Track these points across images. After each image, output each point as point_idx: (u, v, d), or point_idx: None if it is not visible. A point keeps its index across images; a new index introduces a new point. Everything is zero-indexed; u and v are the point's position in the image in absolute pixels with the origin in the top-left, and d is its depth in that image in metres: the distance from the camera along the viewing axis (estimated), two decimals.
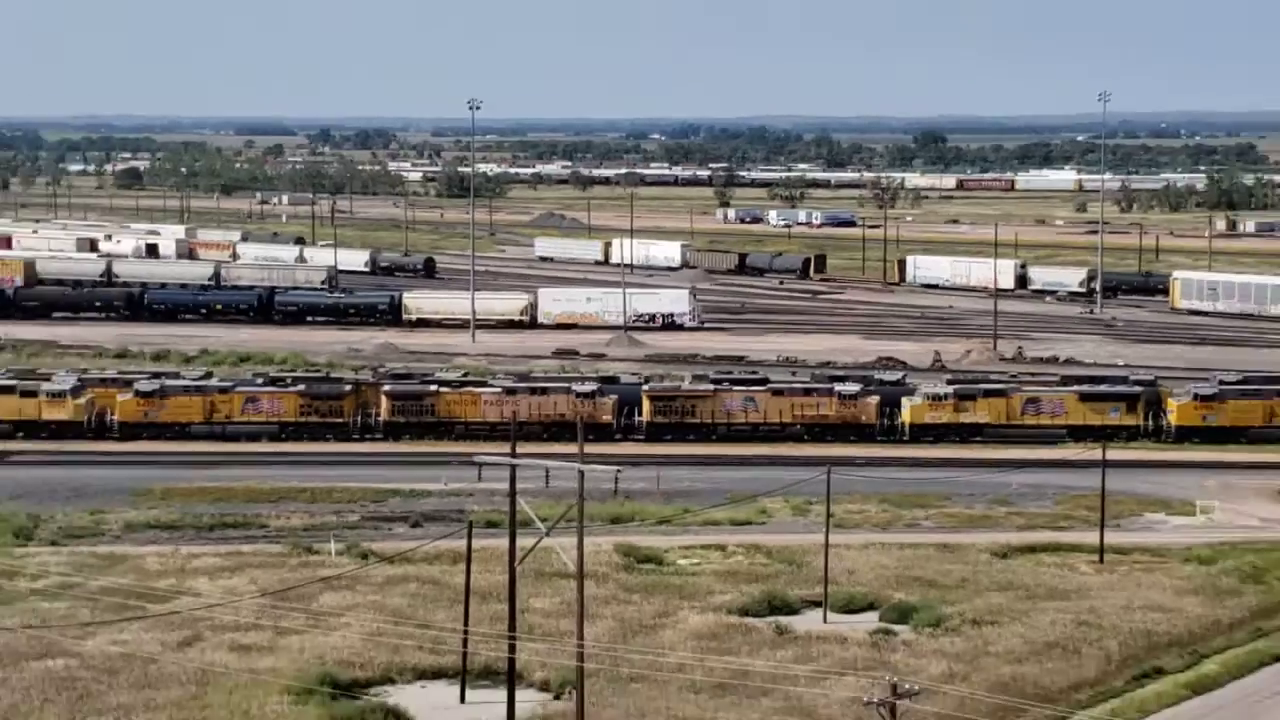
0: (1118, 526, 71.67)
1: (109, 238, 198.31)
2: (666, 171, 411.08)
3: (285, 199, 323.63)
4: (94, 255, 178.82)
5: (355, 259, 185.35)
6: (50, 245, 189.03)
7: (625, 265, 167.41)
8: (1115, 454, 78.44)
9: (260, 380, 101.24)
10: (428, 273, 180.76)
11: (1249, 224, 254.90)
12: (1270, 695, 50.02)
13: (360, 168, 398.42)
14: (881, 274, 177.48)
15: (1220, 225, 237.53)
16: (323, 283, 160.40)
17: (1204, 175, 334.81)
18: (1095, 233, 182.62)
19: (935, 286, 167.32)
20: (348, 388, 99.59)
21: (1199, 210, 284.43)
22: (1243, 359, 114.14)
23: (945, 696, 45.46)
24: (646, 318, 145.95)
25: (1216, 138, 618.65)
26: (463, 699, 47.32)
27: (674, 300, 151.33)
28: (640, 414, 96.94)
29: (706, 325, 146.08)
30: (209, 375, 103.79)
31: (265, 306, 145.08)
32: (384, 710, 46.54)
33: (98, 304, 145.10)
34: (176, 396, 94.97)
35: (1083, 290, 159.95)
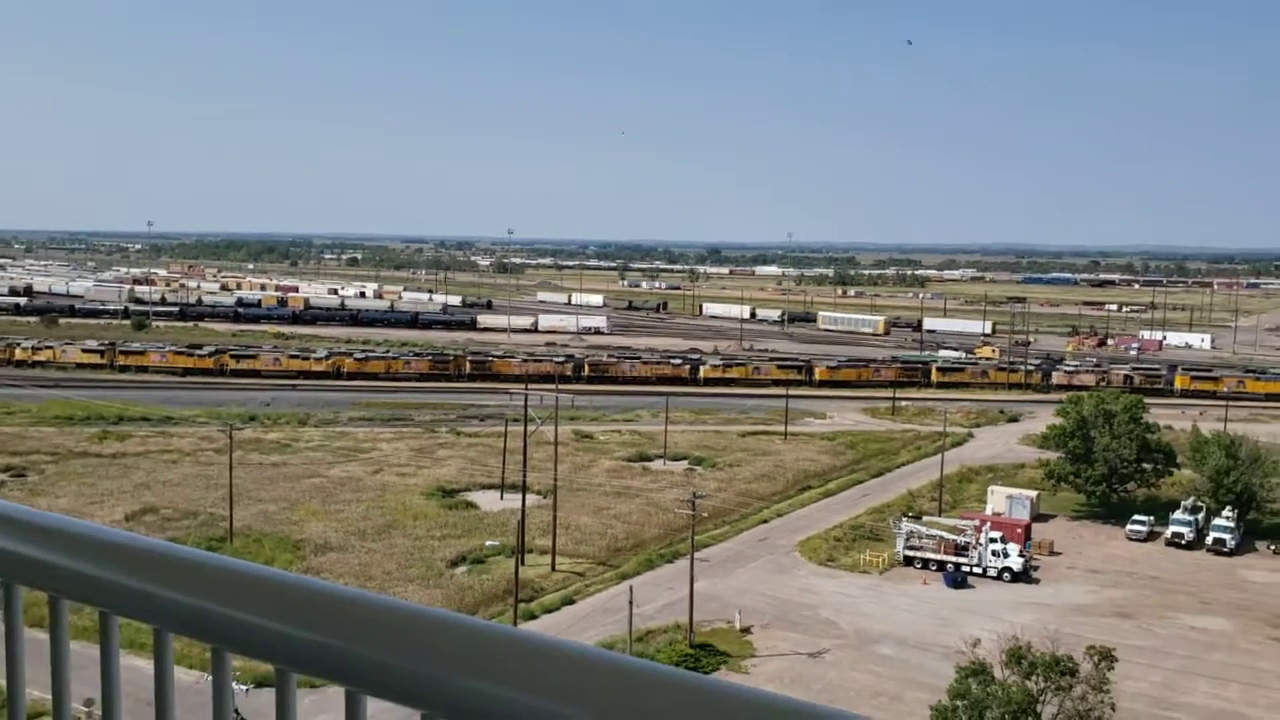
0: (794, 423, 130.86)
1: (341, 289, 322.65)
2: (601, 263, 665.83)
3: (422, 273, 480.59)
4: (336, 296, 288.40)
5: (454, 300, 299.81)
6: (314, 291, 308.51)
7: (577, 304, 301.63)
8: (795, 391, 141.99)
9: (410, 352, 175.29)
10: (487, 306, 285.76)
11: (850, 291, 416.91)
12: (859, 497, 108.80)
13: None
14: (693, 311, 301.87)
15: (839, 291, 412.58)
16: (440, 310, 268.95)
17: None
18: (786, 293, 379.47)
19: (716, 317, 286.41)
20: (451, 356, 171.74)
21: (830, 284, 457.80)
22: (847, 351, 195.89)
23: (717, 495, 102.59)
24: (587, 328, 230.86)
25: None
26: (501, 497, 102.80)
27: (599, 320, 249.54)
28: (584, 370, 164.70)
29: (615, 332, 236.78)
30: (389, 348, 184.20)
31: (413, 321, 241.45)
32: (465, 502, 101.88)
33: (338, 319, 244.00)
34: (373, 360, 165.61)
35: (780, 319, 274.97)
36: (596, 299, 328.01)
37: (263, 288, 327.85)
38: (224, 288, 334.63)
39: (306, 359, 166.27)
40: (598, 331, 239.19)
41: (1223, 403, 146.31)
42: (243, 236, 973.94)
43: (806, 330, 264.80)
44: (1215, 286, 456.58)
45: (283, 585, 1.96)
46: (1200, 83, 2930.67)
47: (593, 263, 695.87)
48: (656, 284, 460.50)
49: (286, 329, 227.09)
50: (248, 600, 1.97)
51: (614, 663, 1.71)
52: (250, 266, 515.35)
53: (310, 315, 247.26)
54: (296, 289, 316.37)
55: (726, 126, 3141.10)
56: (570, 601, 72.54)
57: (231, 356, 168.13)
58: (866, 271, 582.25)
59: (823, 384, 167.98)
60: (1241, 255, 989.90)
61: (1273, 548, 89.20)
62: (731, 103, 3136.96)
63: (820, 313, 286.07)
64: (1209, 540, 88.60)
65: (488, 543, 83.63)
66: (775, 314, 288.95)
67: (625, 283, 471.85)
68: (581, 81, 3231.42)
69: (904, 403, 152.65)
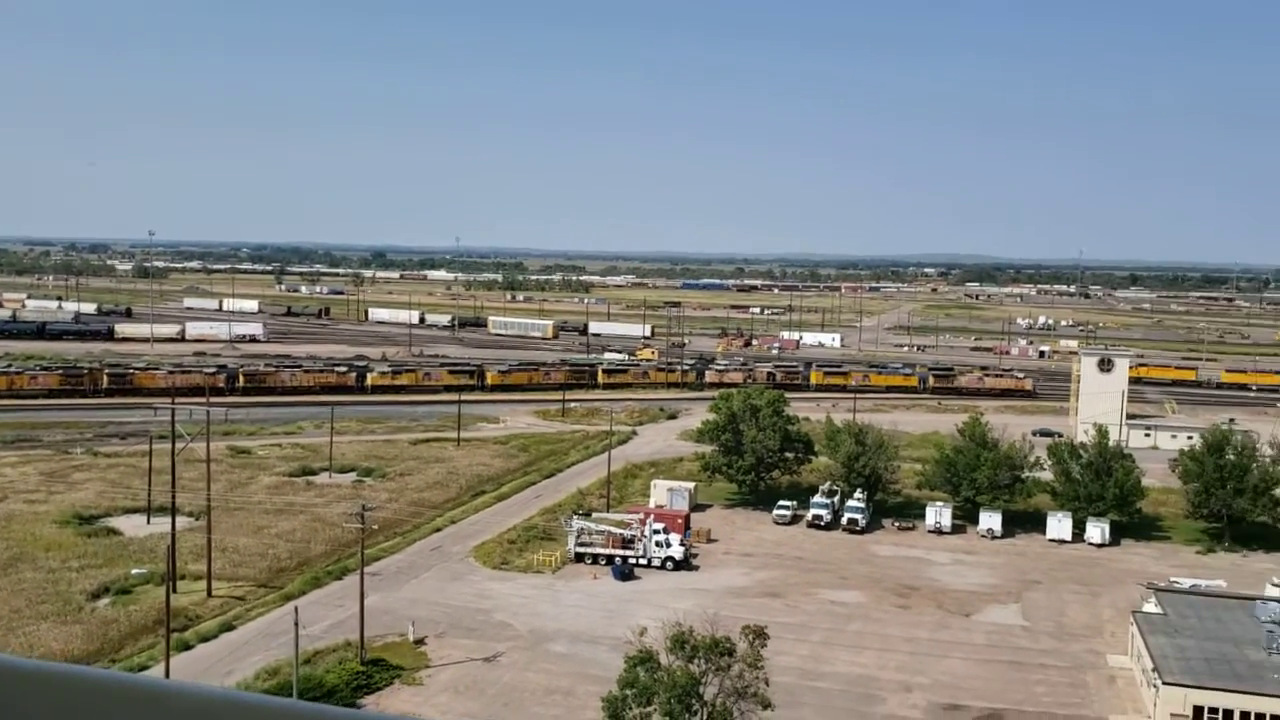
0: (467, 428, 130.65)
1: None
2: (256, 266, 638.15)
3: (49, 278, 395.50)
4: None
5: (87, 308, 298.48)
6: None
7: (230, 311, 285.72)
8: (466, 396, 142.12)
9: (37, 366, 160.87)
10: (127, 314, 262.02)
11: (519, 296, 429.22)
12: (532, 499, 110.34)
13: None
14: (358, 317, 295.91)
15: (508, 296, 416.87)
16: (72, 319, 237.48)
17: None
18: (456, 298, 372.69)
19: (383, 323, 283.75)
20: (86, 369, 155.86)
21: (499, 289, 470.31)
22: (518, 355, 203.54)
23: (387, 506, 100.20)
24: (241, 336, 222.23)
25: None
26: (148, 521, 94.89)
27: (254, 328, 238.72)
28: (239, 381, 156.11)
29: (272, 339, 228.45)
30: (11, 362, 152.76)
31: (39, 331, 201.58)
32: (107, 529, 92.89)
33: None
34: None
35: (450, 324, 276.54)
36: (251, 305, 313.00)
37: None
38: None
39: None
40: (253, 339, 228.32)
41: (851, 395, 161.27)
42: None
43: (477, 335, 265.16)
44: (843, 290, 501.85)
45: None
46: (835, 104, 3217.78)
47: (246, 266, 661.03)
48: (318, 289, 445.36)
49: None
50: None
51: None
52: None
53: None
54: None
55: (391, 128, 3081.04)
56: (230, 628, 68.20)
57: None
58: (534, 277, 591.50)
59: (494, 388, 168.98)
60: (865, 262, 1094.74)
61: (897, 524, 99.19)
62: (394, 103, 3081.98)
63: (490, 317, 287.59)
64: (844, 520, 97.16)
65: (134, 571, 77.07)
66: (445, 319, 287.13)
67: (283, 287, 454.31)
68: (231, 67, 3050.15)
69: (573, 404, 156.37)
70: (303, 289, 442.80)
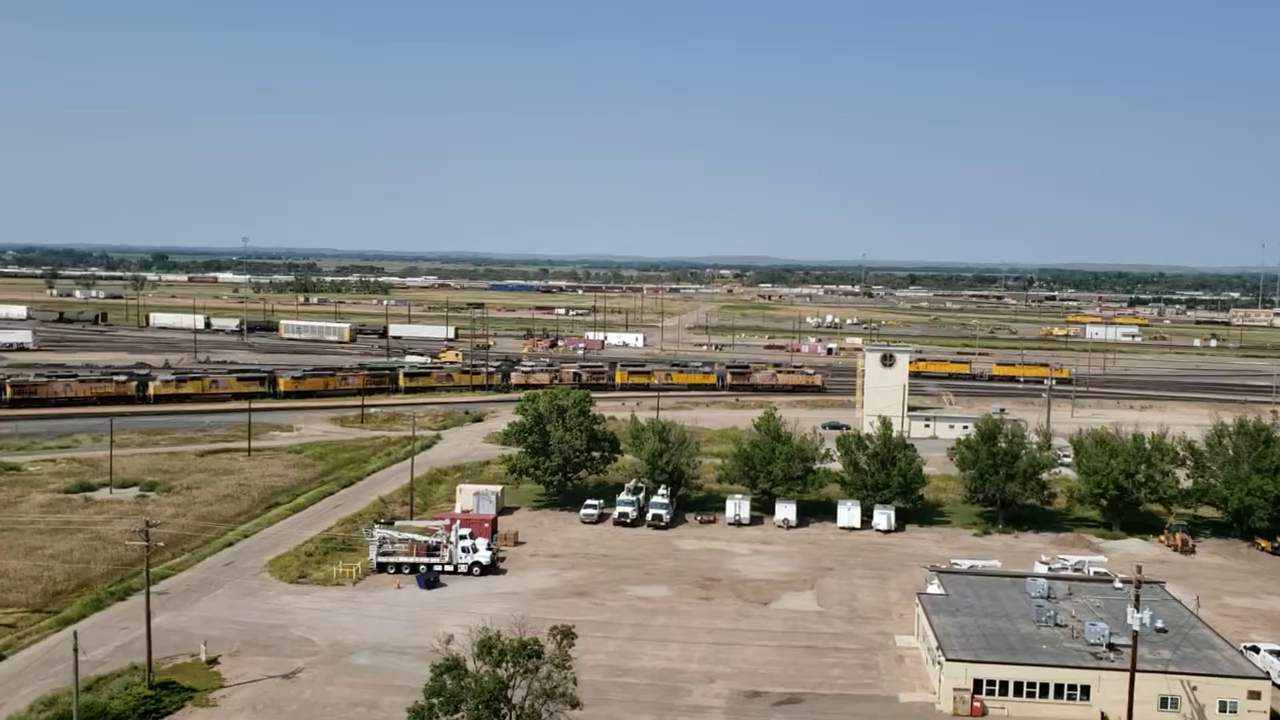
0: (259, 438, 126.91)
1: None
2: (23, 270, 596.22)
3: None
4: None
5: None
6: None
7: None
8: (257, 404, 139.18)
9: None
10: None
11: (313, 299, 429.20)
12: (331, 509, 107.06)
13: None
14: (139, 322, 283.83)
15: (301, 298, 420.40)
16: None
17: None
18: (244, 301, 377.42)
19: (166, 328, 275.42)
20: None
21: (292, 291, 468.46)
22: (313, 360, 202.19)
23: (174, 521, 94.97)
24: (8, 344, 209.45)
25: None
26: None
27: (23, 335, 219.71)
28: (5, 393, 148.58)
29: (44, 348, 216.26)
30: None
31: None
32: None
33: None
34: None
35: (240, 329, 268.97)
36: (19, 310, 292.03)
37: None
38: None
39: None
40: (22, 348, 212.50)
41: (655, 393, 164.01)
42: None
43: (268, 339, 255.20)
44: (645, 291, 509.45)
45: None
46: (629, 100, 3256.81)
47: (12, 269, 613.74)
48: (94, 293, 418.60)
49: None
50: None
51: None
52: None
53: None
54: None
55: (165, 122, 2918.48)
56: None
57: None
58: (329, 278, 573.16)
59: (288, 395, 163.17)
60: (665, 263, 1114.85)
61: (699, 518, 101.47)
62: (174, 97, 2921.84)
63: (282, 321, 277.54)
64: (649, 516, 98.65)
65: None
66: (234, 323, 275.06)
67: (54, 292, 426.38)
68: None
69: (373, 410, 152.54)
70: (77, 293, 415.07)
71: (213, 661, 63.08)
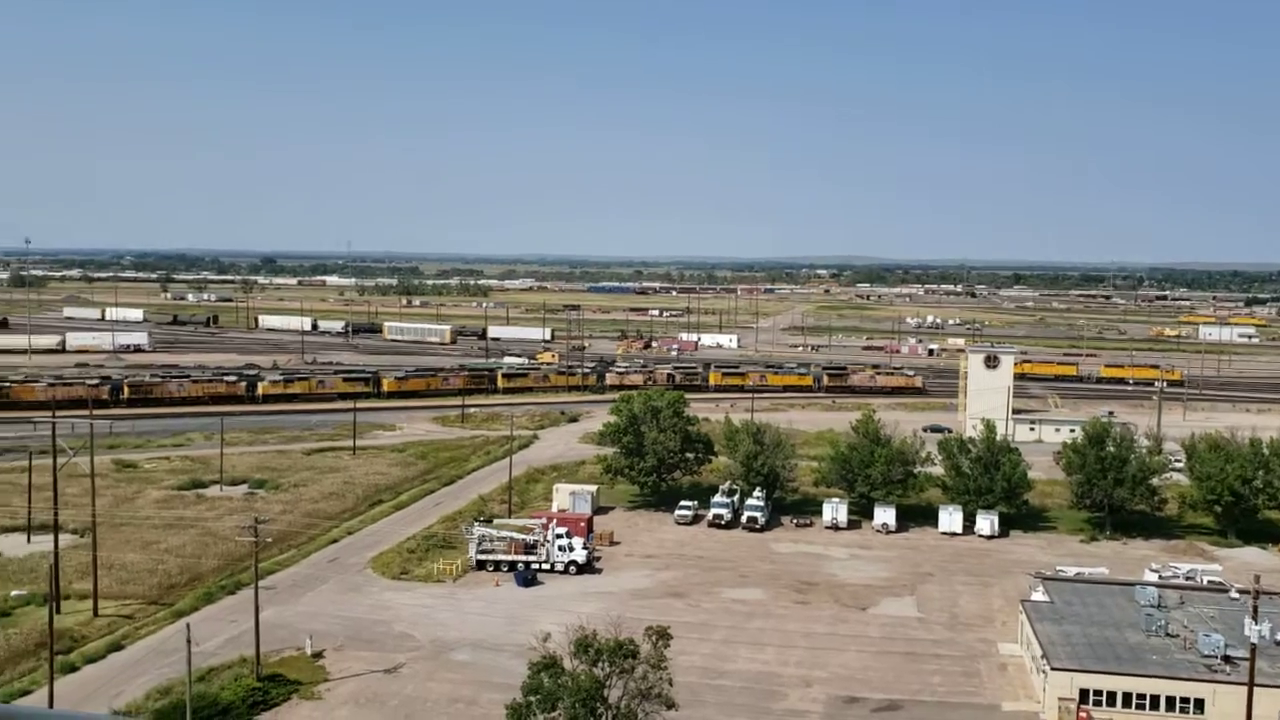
0: (363, 437, 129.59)
1: None
2: (140, 274, 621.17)
3: None
4: None
5: None
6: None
7: (113, 320, 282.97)
8: (362, 404, 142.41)
9: None
10: (3, 325, 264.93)
11: (415, 301, 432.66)
12: (432, 507, 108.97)
13: None
14: (248, 324, 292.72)
15: (404, 301, 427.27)
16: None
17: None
18: (350, 303, 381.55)
19: (275, 330, 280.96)
20: None
21: (395, 294, 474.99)
22: (415, 361, 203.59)
23: (282, 518, 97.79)
24: (126, 346, 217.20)
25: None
26: (29, 540, 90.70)
27: (139, 337, 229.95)
28: (124, 393, 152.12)
29: (159, 349, 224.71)
30: None
31: None
32: None
33: None
34: None
35: (345, 330, 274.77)
36: (136, 314, 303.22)
37: None
38: None
39: None
40: (138, 349, 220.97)
41: (749, 395, 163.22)
42: None
43: (373, 341, 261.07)
44: (739, 292, 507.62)
45: None
46: (727, 102, 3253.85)
47: (129, 274, 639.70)
48: (206, 296, 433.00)
49: None
50: None
51: None
52: None
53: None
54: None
55: (280, 129, 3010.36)
56: (118, 648, 65.73)
57: None
58: (431, 281, 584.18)
59: (391, 395, 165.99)
60: (760, 264, 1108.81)
61: (795, 521, 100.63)
62: (283, 106, 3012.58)
63: (386, 323, 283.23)
64: (744, 519, 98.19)
65: (14, 593, 73.83)
66: (339, 325, 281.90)
67: (169, 295, 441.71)
68: (111, 69, 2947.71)
69: (472, 409, 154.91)
70: (190, 297, 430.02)
71: (318, 655, 64.75)
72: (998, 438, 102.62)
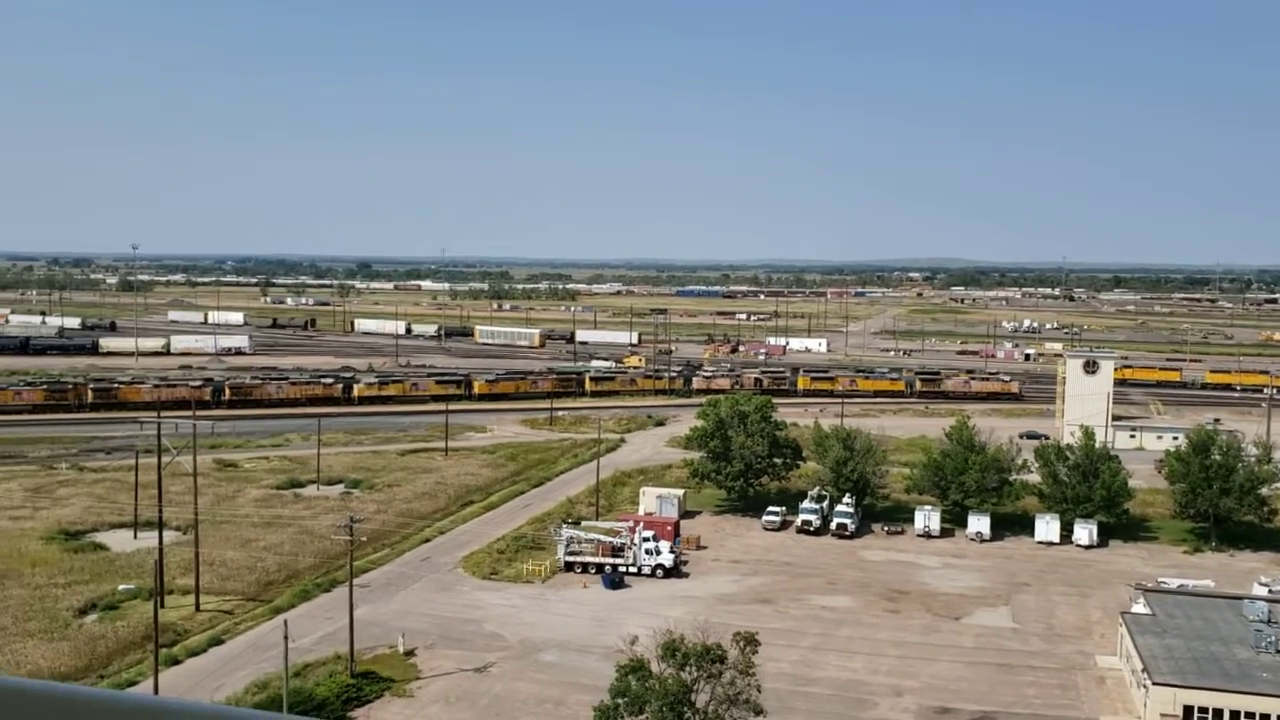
0: (455, 438, 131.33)
1: None
2: (240, 279, 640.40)
3: (33, 293, 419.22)
4: None
5: (72, 322, 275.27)
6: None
7: (215, 323, 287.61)
8: (454, 406, 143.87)
9: (21, 381, 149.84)
10: (111, 328, 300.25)
11: (505, 305, 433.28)
12: (521, 508, 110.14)
13: None
14: (344, 328, 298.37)
15: (495, 305, 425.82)
16: (56, 333, 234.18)
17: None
18: (442, 307, 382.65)
19: (369, 333, 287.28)
20: (70, 384, 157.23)
21: (485, 298, 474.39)
22: (505, 364, 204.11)
23: (376, 518, 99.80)
24: (227, 348, 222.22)
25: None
26: (135, 536, 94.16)
27: (240, 340, 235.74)
28: (225, 394, 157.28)
29: (258, 351, 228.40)
30: None
31: (23, 346, 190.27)
32: (93, 544, 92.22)
33: None
34: None
35: (437, 334, 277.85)
36: (237, 317, 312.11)
37: None
38: None
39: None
40: (239, 352, 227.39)
41: (839, 400, 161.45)
42: None
43: (464, 344, 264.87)
44: (828, 296, 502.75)
45: None
46: (818, 109, 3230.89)
47: (231, 278, 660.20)
48: (303, 300, 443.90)
49: None
50: None
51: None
52: None
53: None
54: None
55: (374, 137, 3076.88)
56: (218, 642, 67.80)
57: None
58: (520, 286, 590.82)
59: (482, 397, 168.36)
60: (850, 267, 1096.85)
61: (886, 529, 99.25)
62: (377, 113, 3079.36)
63: (477, 327, 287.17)
64: (833, 525, 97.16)
65: (121, 586, 76.55)
66: (432, 329, 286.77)
67: (268, 299, 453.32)
68: (213, 78, 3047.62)
69: (561, 412, 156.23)
70: (288, 301, 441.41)
71: (409, 653, 65.90)
72: (1097, 445, 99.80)
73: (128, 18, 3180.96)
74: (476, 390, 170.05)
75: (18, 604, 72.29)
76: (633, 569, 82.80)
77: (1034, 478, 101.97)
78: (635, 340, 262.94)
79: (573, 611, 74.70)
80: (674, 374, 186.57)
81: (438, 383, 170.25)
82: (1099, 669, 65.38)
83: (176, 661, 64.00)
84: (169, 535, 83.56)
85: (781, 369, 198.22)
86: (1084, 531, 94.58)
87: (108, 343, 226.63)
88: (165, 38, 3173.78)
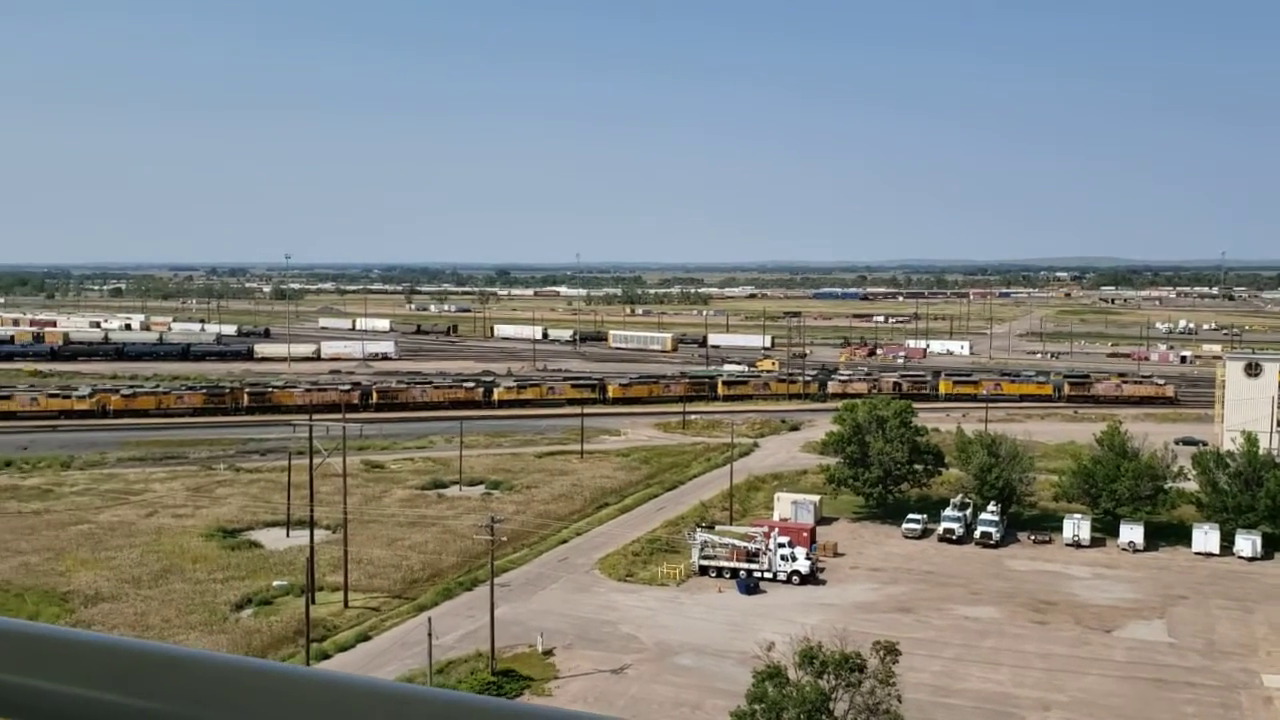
0: (590, 441, 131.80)
1: (105, 321, 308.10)
2: (386, 286, 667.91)
3: (193, 302, 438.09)
4: (99, 330, 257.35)
5: (228, 329, 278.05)
6: (74, 325, 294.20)
7: (362, 330, 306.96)
8: (589, 409, 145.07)
9: (183, 386, 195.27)
10: (265, 335, 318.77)
11: (638, 310, 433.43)
12: (655, 511, 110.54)
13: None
14: (484, 333, 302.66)
15: (628, 310, 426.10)
16: (214, 340, 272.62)
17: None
18: (577, 313, 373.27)
19: (508, 339, 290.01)
20: (228, 389, 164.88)
21: (619, 303, 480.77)
22: (638, 368, 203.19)
23: (515, 518, 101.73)
24: (374, 354, 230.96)
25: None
26: (288, 534, 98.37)
27: (386, 345, 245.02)
28: (372, 398, 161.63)
29: (403, 357, 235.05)
30: (159, 383, 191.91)
31: (184, 353, 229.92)
32: (249, 542, 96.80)
33: (101, 354, 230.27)
34: (142, 395, 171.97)
35: (572, 339, 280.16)
36: (383, 323, 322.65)
37: (15, 323, 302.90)
38: None
39: (68, 397, 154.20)
40: (385, 357, 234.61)
41: (982, 404, 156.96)
42: None
43: (598, 349, 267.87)
44: (971, 297, 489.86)
45: (74, 644, 1.64)
46: (957, 109, 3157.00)
47: (377, 286, 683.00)
48: (445, 307, 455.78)
49: (45, 366, 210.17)
50: (34, 663, 1.61)
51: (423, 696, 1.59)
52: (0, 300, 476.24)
53: (70, 351, 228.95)
54: (54, 323, 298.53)
55: (510, 147, 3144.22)
56: (366, 638, 70.21)
57: None
58: (653, 290, 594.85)
59: (616, 401, 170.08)
60: (993, 267, 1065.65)
61: (1033, 538, 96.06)
62: (513, 124, 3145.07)
63: (611, 331, 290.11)
64: (977, 534, 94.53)
65: (275, 583, 79.98)
66: (567, 334, 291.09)
67: (412, 306, 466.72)
68: (353, 103, 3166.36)
69: (693, 416, 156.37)
70: (431, 307, 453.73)
71: (548, 653, 66.94)
72: (1260, 452, 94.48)
73: (280, 46, 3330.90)
74: (610, 394, 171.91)
75: (181, 597, 76.28)
76: (768, 575, 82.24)
77: (1191, 486, 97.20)
78: (768, 344, 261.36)
79: (708, 615, 74.65)
80: (808, 378, 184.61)
81: (573, 386, 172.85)
82: (1266, 688, 61.86)
83: (326, 656, 66.51)
84: (319, 534, 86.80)
85: (922, 372, 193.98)
86: (1247, 543, 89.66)
87: (262, 349, 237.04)
88: (314, 60, 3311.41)
